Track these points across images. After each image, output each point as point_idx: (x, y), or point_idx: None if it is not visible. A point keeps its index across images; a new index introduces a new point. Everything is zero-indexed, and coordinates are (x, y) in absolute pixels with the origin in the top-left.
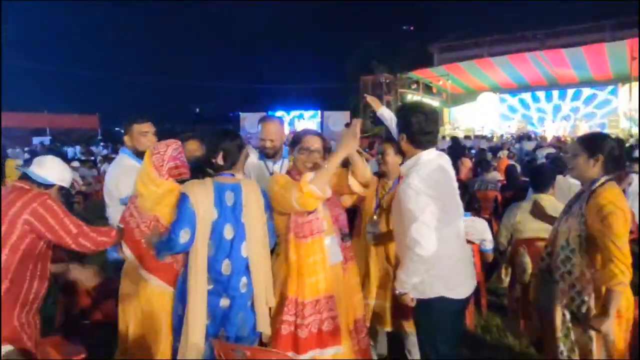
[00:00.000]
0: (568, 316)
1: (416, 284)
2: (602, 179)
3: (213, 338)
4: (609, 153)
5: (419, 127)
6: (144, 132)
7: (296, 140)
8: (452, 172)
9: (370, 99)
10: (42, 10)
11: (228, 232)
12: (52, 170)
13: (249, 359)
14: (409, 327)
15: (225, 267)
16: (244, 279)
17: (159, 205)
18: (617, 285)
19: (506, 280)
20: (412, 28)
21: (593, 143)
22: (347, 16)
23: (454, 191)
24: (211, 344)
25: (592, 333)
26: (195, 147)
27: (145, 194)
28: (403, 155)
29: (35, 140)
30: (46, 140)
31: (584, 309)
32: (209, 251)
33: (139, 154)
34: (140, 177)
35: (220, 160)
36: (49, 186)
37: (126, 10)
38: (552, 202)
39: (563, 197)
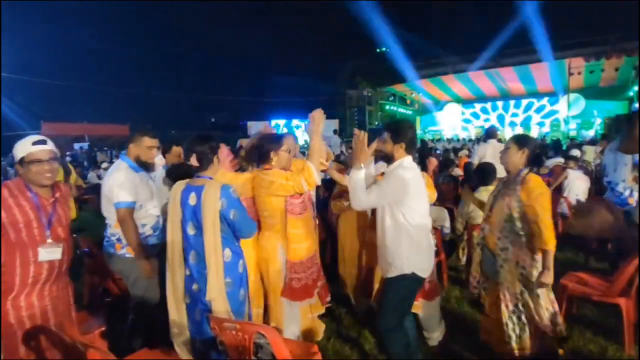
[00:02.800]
0: (518, 291)
1: (396, 263)
2: (526, 170)
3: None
4: (533, 149)
5: (413, 138)
6: (152, 147)
7: (279, 142)
8: (422, 179)
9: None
10: (83, 36)
11: (190, 229)
12: None
13: (239, 331)
14: (416, 308)
15: (192, 257)
16: (206, 268)
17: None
18: (550, 246)
19: (463, 258)
20: (387, 50)
21: (522, 139)
22: (335, 41)
23: (423, 194)
24: (205, 316)
25: (541, 292)
26: (179, 152)
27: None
28: (387, 159)
29: (76, 145)
30: (85, 145)
31: (532, 278)
32: (183, 243)
33: (139, 163)
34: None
35: (194, 162)
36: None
37: (154, 40)
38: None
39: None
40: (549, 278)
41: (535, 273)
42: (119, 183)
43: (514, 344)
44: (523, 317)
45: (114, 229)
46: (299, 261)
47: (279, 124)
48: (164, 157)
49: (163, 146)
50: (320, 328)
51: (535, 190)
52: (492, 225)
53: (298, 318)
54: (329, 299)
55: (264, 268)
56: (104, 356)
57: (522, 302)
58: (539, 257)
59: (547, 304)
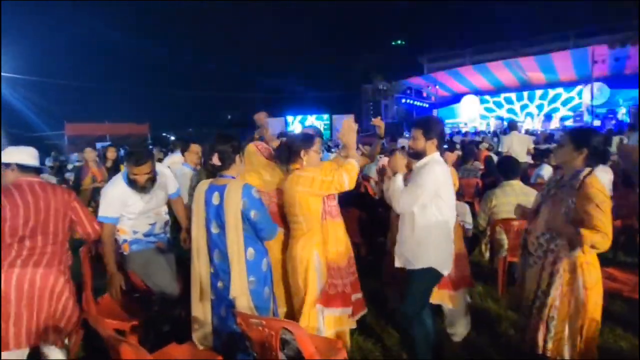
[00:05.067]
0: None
1: (422, 256)
2: (586, 170)
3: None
4: (594, 148)
5: (442, 133)
6: (136, 174)
7: (310, 141)
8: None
9: (378, 123)
10: (102, 36)
11: (214, 228)
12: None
13: (265, 327)
14: (442, 298)
15: (216, 255)
16: (229, 266)
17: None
18: (601, 249)
19: (486, 254)
20: (403, 43)
21: (580, 137)
22: (350, 35)
23: (452, 187)
24: (231, 311)
25: (584, 296)
26: (197, 150)
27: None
28: (416, 155)
29: (98, 145)
30: (107, 145)
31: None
32: (207, 242)
33: (131, 183)
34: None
35: (216, 161)
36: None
37: (173, 42)
38: (519, 186)
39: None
40: (577, 242)
41: (557, 282)
42: (108, 197)
43: (549, 346)
44: (554, 322)
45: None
46: (336, 266)
47: (288, 120)
48: (183, 155)
49: (181, 145)
50: (347, 340)
51: (597, 197)
52: (537, 228)
53: (324, 324)
54: (362, 313)
55: (300, 278)
56: (136, 351)
57: (546, 305)
58: (578, 269)
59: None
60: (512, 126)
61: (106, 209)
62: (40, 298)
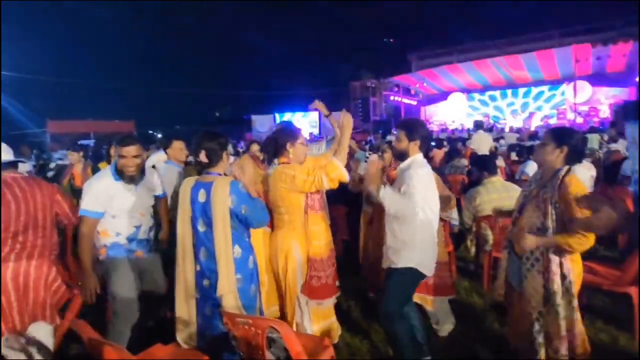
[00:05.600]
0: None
1: (405, 255)
2: (565, 169)
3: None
4: (574, 146)
5: (426, 135)
6: (131, 156)
7: (295, 134)
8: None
9: (318, 105)
10: (87, 33)
11: (201, 225)
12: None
13: (251, 326)
14: (424, 302)
15: (203, 254)
16: (216, 264)
17: None
18: (582, 248)
19: (472, 249)
20: (392, 40)
21: (560, 135)
22: (338, 33)
23: (435, 189)
24: (216, 311)
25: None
26: (180, 146)
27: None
28: (400, 156)
29: (85, 142)
30: (91, 143)
31: (553, 287)
32: (193, 240)
33: (120, 173)
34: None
35: (203, 158)
36: None
37: (158, 37)
38: (500, 182)
39: None
40: (531, 243)
41: (557, 281)
42: (93, 190)
43: (542, 356)
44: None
45: (97, 236)
46: (319, 259)
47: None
48: (165, 152)
49: (164, 142)
50: (337, 330)
51: (576, 194)
52: (521, 228)
53: (309, 318)
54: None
55: (280, 267)
56: (120, 353)
57: (542, 316)
58: (566, 264)
59: (563, 325)
60: (478, 125)
61: (89, 202)
62: (36, 289)
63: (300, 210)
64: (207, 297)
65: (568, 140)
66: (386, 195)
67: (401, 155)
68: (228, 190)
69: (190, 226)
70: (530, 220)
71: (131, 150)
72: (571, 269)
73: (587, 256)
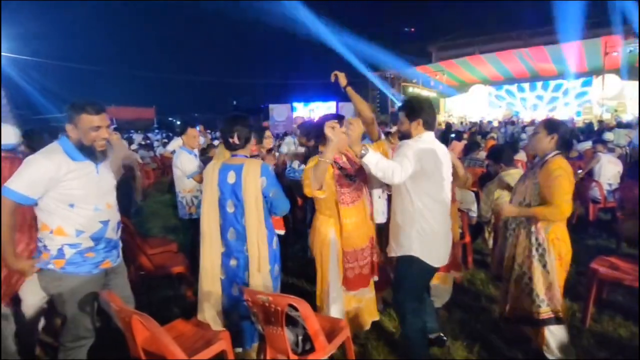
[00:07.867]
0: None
1: (404, 243)
2: (554, 153)
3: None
4: (563, 134)
5: (430, 112)
6: (105, 126)
7: (338, 122)
8: (446, 159)
9: (339, 74)
10: (109, 20)
11: (230, 207)
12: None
13: (271, 303)
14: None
15: (231, 234)
16: (246, 245)
17: None
18: (558, 217)
19: (489, 241)
20: (412, 30)
21: (552, 124)
22: (357, 22)
23: (441, 175)
24: (241, 289)
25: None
26: (194, 134)
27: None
28: (404, 138)
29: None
30: (112, 129)
31: (545, 256)
32: (220, 221)
33: (82, 149)
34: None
35: (236, 140)
36: None
37: (180, 26)
38: (519, 174)
39: None
40: (509, 210)
41: (533, 249)
42: (33, 168)
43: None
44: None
45: (41, 232)
46: (352, 250)
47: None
48: (181, 138)
49: (180, 128)
50: (370, 318)
51: (555, 171)
52: (513, 202)
53: (342, 305)
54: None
55: (317, 251)
56: (147, 322)
57: (529, 271)
58: (540, 235)
59: (547, 281)
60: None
61: (21, 182)
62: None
63: (332, 202)
64: (234, 277)
65: (558, 129)
66: (370, 155)
67: (405, 137)
68: (259, 172)
69: (217, 208)
70: (517, 197)
71: (105, 118)
72: (545, 239)
73: (609, 253)
